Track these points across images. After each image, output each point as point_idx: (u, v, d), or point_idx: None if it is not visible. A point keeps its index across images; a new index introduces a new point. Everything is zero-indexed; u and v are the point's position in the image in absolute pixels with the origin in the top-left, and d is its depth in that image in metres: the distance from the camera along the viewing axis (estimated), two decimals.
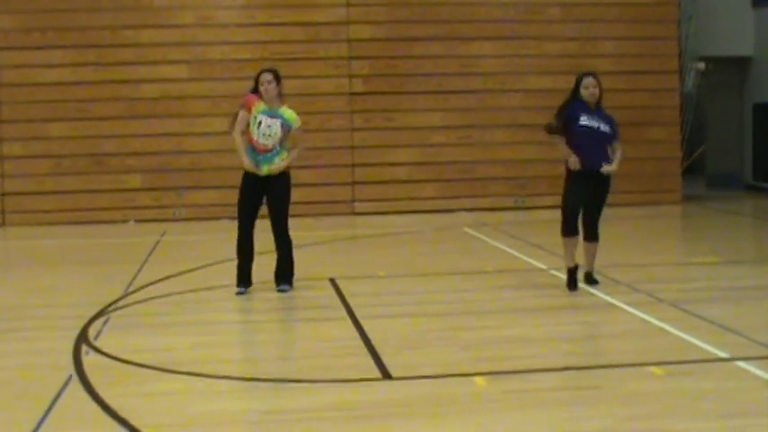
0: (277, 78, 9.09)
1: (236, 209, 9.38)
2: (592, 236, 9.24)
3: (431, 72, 16.35)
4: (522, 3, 16.54)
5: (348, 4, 16.18)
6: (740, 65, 19.08)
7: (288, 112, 9.18)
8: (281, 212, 9.28)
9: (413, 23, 16.31)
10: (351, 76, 16.23)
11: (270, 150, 9.08)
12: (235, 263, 9.45)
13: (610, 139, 9.10)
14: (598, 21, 16.68)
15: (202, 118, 15.79)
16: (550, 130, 9.12)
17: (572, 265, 9.19)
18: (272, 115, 9.07)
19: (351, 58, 16.21)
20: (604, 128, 9.05)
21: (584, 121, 8.98)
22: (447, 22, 16.36)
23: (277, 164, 9.09)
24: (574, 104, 9.09)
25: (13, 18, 15.66)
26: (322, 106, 15.98)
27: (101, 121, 15.78)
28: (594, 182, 9.06)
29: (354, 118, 16.27)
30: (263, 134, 9.04)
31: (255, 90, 9.11)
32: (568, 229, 9.12)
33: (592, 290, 9.07)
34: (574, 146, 9.03)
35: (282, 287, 9.31)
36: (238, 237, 9.29)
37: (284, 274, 9.36)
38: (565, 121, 9.05)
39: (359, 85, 16.26)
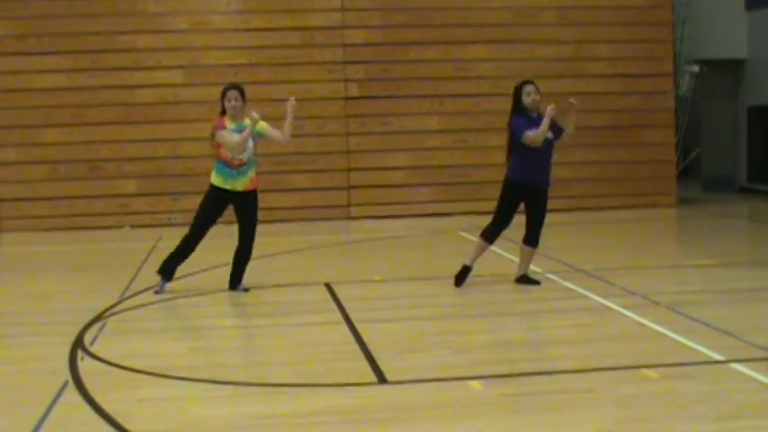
0: (242, 96, 9.32)
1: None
2: (534, 240, 9.51)
3: (426, 76, 16.36)
4: (517, 6, 16.55)
5: (343, 9, 16.19)
6: (734, 67, 19.11)
7: (249, 122, 9.27)
8: (254, 224, 9.61)
9: (408, 28, 16.32)
10: (346, 81, 16.24)
11: (245, 164, 9.34)
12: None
13: (553, 143, 9.35)
14: (592, 24, 16.70)
15: (197, 123, 15.75)
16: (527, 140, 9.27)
17: (469, 263, 9.56)
18: (240, 131, 9.25)
19: (346, 62, 16.22)
20: (549, 136, 9.28)
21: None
22: (442, 27, 16.38)
23: (287, 127, 9.38)
24: (519, 119, 9.26)
25: (8, 24, 15.65)
26: (317, 111, 15.99)
27: (96, 127, 15.77)
28: (536, 195, 9.39)
29: (350, 122, 16.28)
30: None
31: (223, 108, 9.34)
32: (492, 237, 9.53)
33: (587, 293, 9.09)
34: (520, 159, 9.28)
35: (243, 286, 9.65)
36: (189, 242, 9.54)
37: (241, 274, 9.66)
38: (512, 135, 9.31)
39: (354, 90, 16.27)
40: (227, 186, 9.37)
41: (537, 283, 9.55)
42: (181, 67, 15.92)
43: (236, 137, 9.17)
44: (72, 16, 15.71)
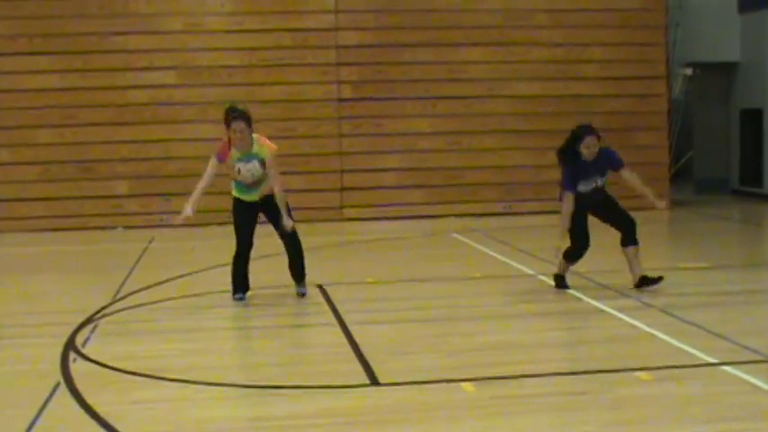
0: (249, 124, 8.89)
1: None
2: (628, 242, 9.37)
3: (419, 78, 16.36)
4: (510, 9, 16.55)
5: (336, 11, 16.18)
6: (727, 70, 19.14)
7: (260, 150, 9.01)
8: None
9: (401, 30, 16.32)
10: (339, 83, 16.23)
11: (257, 182, 9.05)
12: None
13: (604, 185, 9.25)
14: (585, 26, 16.71)
15: (190, 124, 15.77)
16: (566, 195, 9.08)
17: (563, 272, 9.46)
18: (248, 159, 8.96)
19: (339, 64, 16.21)
20: (600, 182, 9.18)
21: (581, 187, 9.05)
22: (435, 29, 16.38)
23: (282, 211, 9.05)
24: (569, 170, 9.01)
25: (0, 24, 15.61)
26: (310, 112, 15.98)
27: (88, 128, 15.74)
28: (593, 202, 9.23)
29: (343, 124, 16.27)
30: (244, 176, 8.99)
31: (227, 124, 8.90)
32: (573, 258, 9.32)
33: (580, 295, 9.09)
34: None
35: (302, 290, 9.42)
36: (237, 252, 9.20)
37: (301, 274, 9.43)
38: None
39: (347, 92, 16.25)
40: (247, 198, 9.15)
41: (657, 281, 9.22)
42: (174, 68, 15.89)
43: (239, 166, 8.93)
44: (65, 17, 15.67)
